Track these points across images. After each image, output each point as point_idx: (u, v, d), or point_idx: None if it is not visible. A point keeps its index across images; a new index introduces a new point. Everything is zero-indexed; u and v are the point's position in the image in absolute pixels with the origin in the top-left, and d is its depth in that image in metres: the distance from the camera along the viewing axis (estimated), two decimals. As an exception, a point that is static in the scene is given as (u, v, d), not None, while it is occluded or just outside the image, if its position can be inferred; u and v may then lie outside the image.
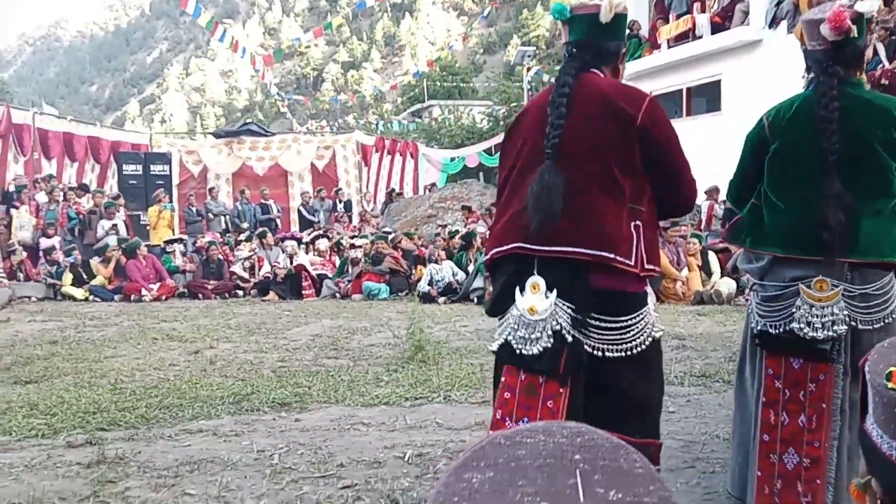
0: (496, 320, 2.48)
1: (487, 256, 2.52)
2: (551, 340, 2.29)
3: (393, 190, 18.89)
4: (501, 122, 24.83)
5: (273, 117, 66.01)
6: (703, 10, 12.58)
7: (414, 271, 11.04)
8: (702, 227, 11.19)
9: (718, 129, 11.84)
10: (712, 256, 9.45)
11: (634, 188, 2.37)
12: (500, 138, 20.37)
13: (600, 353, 2.33)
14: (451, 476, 0.63)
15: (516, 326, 2.34)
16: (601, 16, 2.43)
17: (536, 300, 2.31)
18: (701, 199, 11.71)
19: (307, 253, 11.64)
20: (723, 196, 11.31)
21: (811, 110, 2.66)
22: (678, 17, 13.10)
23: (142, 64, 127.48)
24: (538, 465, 0.62)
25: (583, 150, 2.35)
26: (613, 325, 2.34)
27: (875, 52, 9.59)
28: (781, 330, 2.66)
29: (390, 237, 11.89)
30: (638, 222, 2.37)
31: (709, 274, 9.32)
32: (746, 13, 11.50)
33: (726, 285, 9.01)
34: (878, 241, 2.61)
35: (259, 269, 11.46)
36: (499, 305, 2.44)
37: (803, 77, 2.85)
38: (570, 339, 2.30)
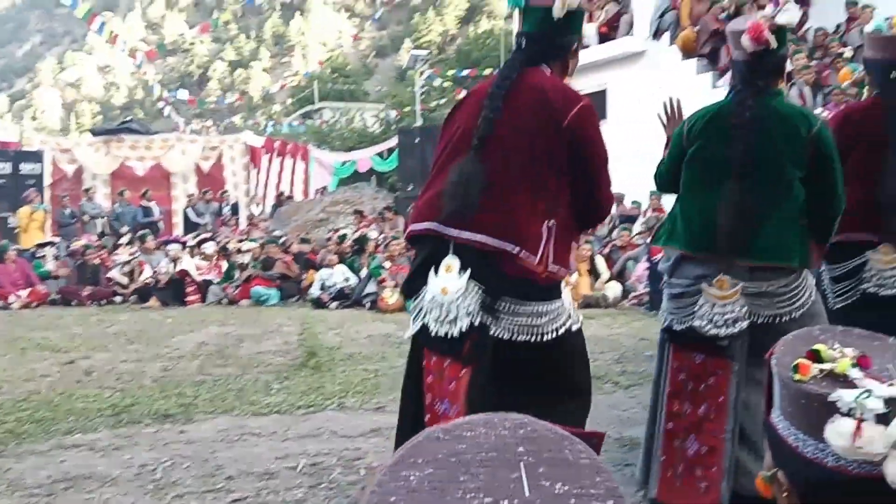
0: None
1: (406, 232, 2.55)
2: (469, 322, 2.30)
3: (283, 193, 18.50)
4: (393, 126, 24.79)
5: (155, 116, 63.57)
6: (590, 20, 12.96)
7: (305, 276, 10.83)
8: (588, 231, 11.50)
9: (604, 137, 12.21)
10: (600, 261, 9.72)
11: (555, 188, 2.42)
12: (392, 142, 20.37)
13: (510, 337, 2.35)
14: (387, 475, 0.59)
15: (430, 308, 2.35)
16: (554, 10, 2.44)
17: (449, 281, 2.33)
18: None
19: (192, 257, 11.20)
20: (626, 200, 11.66)
21: (726, 117, 2.77)
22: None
23: (12, 57, 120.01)
24: (480, 460, 0.59)
25: (511, 144, 2.39)
26: (524, 311, 2.36)
27: (802, 97, 10.04)
28: (685, 326, 2.78)
29: (281, 241, 11.63)
30: (553, 221, 2.40)
31: (596, 278, 9.58)
32: (631, 24, 11.93)
33: (612, 290, 9.28)
34: (777, 246, 2.71)
35: (139, 275, 10.94)
36: (412, 284, 2.47)
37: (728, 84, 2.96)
38: (476, 322, 2.31)
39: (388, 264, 9.78)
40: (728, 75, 10.25)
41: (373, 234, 11.33)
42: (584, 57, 13.22)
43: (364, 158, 22.91)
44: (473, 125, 2.42)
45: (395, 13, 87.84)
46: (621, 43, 11.92)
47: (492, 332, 2.34)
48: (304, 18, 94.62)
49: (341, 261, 10.56)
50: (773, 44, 2.71)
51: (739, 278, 2.70)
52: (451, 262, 2.35)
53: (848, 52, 9.68)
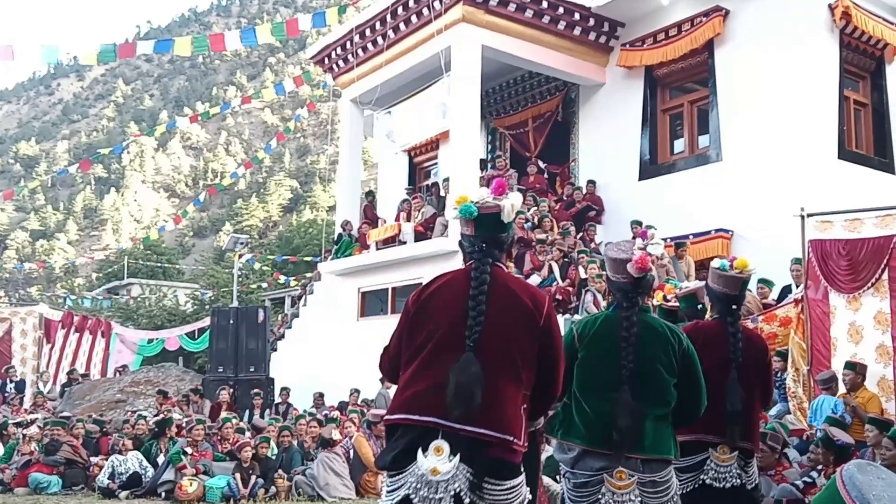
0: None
1: (394, 417, 2.74)
2: (452, 501, 2.57)
3: (74, 370, 17.14)
4: (207, 307, 24.13)
5: (-63, 281, 57.86)
6: (408, 220, 13.77)
7: (94, 462, 9.90)
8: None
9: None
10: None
11: (528, 377, 2.77)
12: (204, 323, 19.75)
13: None
14: None
15: (418, 486, 2.59)
16: (503, 216, 2.89)
17: (439, 462, 2.58)
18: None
19: (-38, 438, 9.98)
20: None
21: (614, 330, 3.26)
22: (384, 222, 14.21)
23: None
24: None
25: (494, 343, 2.70)
26: (502, 488, 2.66)
27: (551, 271, 11.09)
28: None
29: (68, 422, 10.66)
30: (525, 406, 2.78)
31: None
32: (446, 226, 12.78)
33: (423, 479, 9.24)
34: (660, 442, 3.22)
35: None
36: (399, 461, 2.66)
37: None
38: (466, 500, 2.59)
39: (189, 450, 9.21)
40: (533, 278, 11.15)
41: (176, 416, 10.69)
42: (403, 252, 13.84)
43: (173, 337, 21.94)
44: (458, 323, 2.70)
45: (217, 196, 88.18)
46: (436, 242, 12.68)
47: None
48: (120, 194, 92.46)
49: (139, 446, 9.81)
50: (651, 269, 3.31)
51: (634, 470, 3.15)
52: (442, 444, 2.60)
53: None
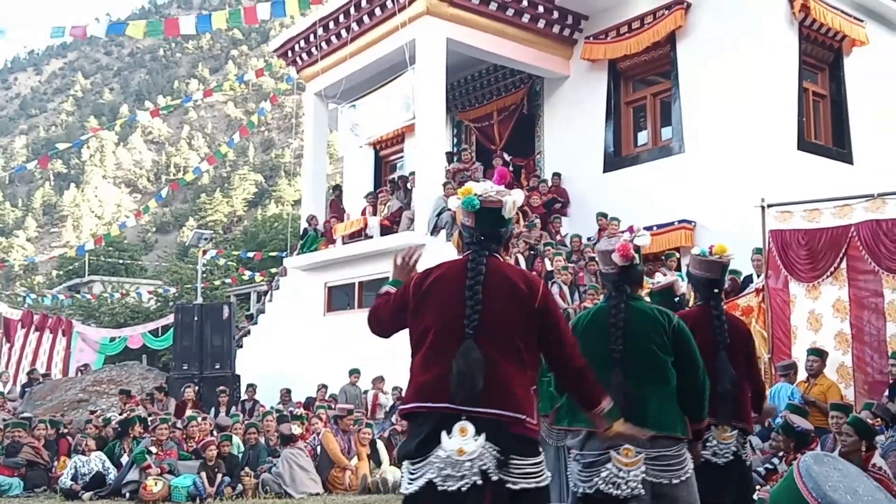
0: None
1: (409, 406, 2.84)
2: (479, 479, 2.64)
3: (35, 370, 16.82)
4: (171, 303, 23.83)
5: None
6: (374, 214, 13.72)
7: (56, 463, 9.74)
8: (367, 415, 11.47)
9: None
10: (381, 445, 9.69)
11: (532, 359, 2.89)
12: (168, 320, 19.50)
13: (516, 487, 2.70)
14: None
15: (443, 466, 2.66)
16: (504, 211, 2.98)
17: (465, 442, 2.67)
18: (367, 388, 12.13)
19: (-82, 441, 9.73)
20: (387, 386, 11.86)
21: (604, 318, 3.45)
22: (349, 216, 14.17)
23: None
24: None
25: (495, 328, 2.81)
26: (528, 463, 2.75)
27: (517, 263, 11.12)
28: (594, 490, 3.29)
29: (29, 423, 10.45)
30: (534, 387, 2.88)
31: (378, 463, 9.49)
32: (412, 219, 12.75)
33: (392, 474, 9.23)
34: (663, 418, 3.35)
35: None
36: (423, 448, 2.73)
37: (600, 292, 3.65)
38: (495, 478, 2.66)
39: (154, 449, 9.09)
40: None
41: (141, 412, 10.54)
42: (370, 246, 13.77)
43: (135, 335, 21.63)
44: (457, 312, 2.81)
45: (180, 191, 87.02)
46: (403, 236, 12.65)
47: (507, 486, 2.68)
48: (80, 190, 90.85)
49: (102, 446, 9.66)
50: (637, 259, 3.49)
51: (641, 447, 3.26)
52: (466, 425, 2.70)
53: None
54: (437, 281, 2.96)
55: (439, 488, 2.66)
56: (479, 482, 2.65)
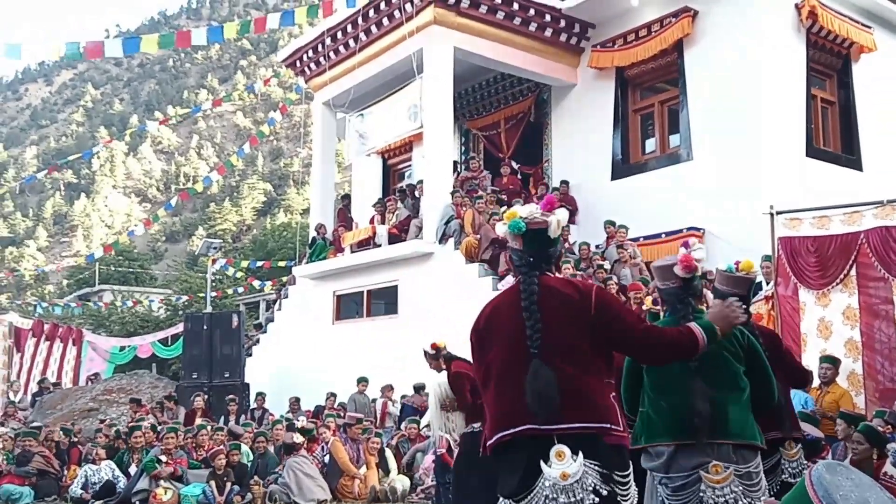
0: None
1: (494, 439, 2.81)
2: (595, 497, 2.62)
3: (45, 380, 16.90)
4: (181, 312, 23.91)
5: None
6: (382, 222, 13.74)
7: (67, 472, 9.77)
8: (376, 423, 11.47)
9: (396, 331, 12.60)
10: (389, 454, 9.68)
11: (606, 365, 2.88)
12: (178, 328, 19.55)
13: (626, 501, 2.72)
14: None
15: (553, 495, 2.63)
16: (549, 231, 2.99)
17: (565, 466, 2.65)
18: (376, 396, 12.13)
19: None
20: (396, 395, 11.86)
21: None
22: (358, 225, 14.20)
23: None
24: None
25: (559, 343, 2.80)
26: (626, 473, 2.75)
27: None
28: None
29: (40, 433, 10.50)
30: (614, 393, 2.88)
31: (386, 472, 9.48)
32: (420, 228, 12.77)
33: (401, 482, 9.22)
34: (744, 426, 3.37)
35: None
36: (526, 482, 2.69)
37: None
38: (605, 492, 2.65)
39: (164, 458, 9.12)
40: (508, 279, 11.18)
41: (150, 421, 10.58)
42: (378, 255, 13.79)
43: (145, 344, 21.71)
44: (519, 336, 2.82)
45: (189, 200, 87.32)
46: (411, 244, 12.67)
47: (618, 499, 2.67)
48: (91, 200, 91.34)
49: (112, 455, 9.70)
50: (699, 272, 3.56)
51: (727, 461, 3.26)
52: (562, 449, 2.66)
53: (606, 265, 10.98)
54: (494, 312, 3.00)
55: None
56: (596, 500, 2.64)
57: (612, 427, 2.75)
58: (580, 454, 2.66)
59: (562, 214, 3.04)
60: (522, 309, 2.86)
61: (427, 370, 6.67)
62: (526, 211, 3.04)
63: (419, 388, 11.34)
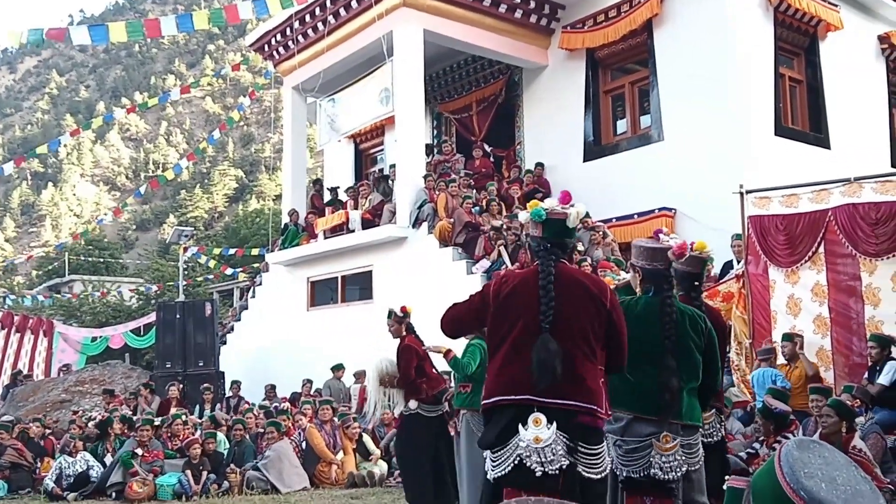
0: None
1: (493, 400, 3.17)
2: (563, 461, 3.01)
3: (19, 372, 16.68)
4: (153, 301, 23.67)
5: None
6: (355, 207, 13.66)
7: (40, 465, 9.67)
8: (352, 410, 11.46)
9: (370, 316, 12.56)
10: (367, 439, 9.68)
11: (601, 355, 3.21)
12: (150, 318, 19.36)
13: (584, 473, 3.07)
14: None
15: (527, 453, 3.02)
16: (568, 221, 3.32)
17: (539, 431, 3.02)
18: (350, 383, 12.12)
19: None
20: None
21: (654, 311, 3.72)
22: (333, 210, 14.09)
23: None
24: None
25: (569, 325, 3.13)
26: (593, 451, 3.10)
27: (499, 255, 11.15)
28: (640, 475, 3.60)
29: (12, 425, 10.37)
30: (603, 380, 3.22)
31: (365, 456, 9.48)
32: (394, 213, 12.72)
33: (379, 467, 9.24)
34: (693, 411, 3.77)
35: None
36: (503, 437, 3.09)
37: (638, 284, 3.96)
38: (566, 463, 3.02)
39: (139, 451, 9.01)
40: (482, 263, 11.20)
41: (120, 415, 10.46)
42: (352, 240, 13.71)
43: (117, 335, 21.47)
44: (534, 314, 3.13)
45: (160, 188, 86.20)
46: (385, 229, 12.62)
47: (577, 469, 3.03)
48: (58, 189, 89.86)
49: (87, 446, 9.60)
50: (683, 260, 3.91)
51: (675, 433, 3.63)
52: (539, 416, 3.04)
53: (581, 247, 11.02)
54: (514, 288, 3.28)
55: (537, 472, 2.99)
56: (561, 466, 3.00)
57: (597, 409, 3.11)
58: (554, 424, 3.02)
59: (581, 208, 3.37)
60: (539, 287, 3.16)
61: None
62: (548, 203, 3.37)
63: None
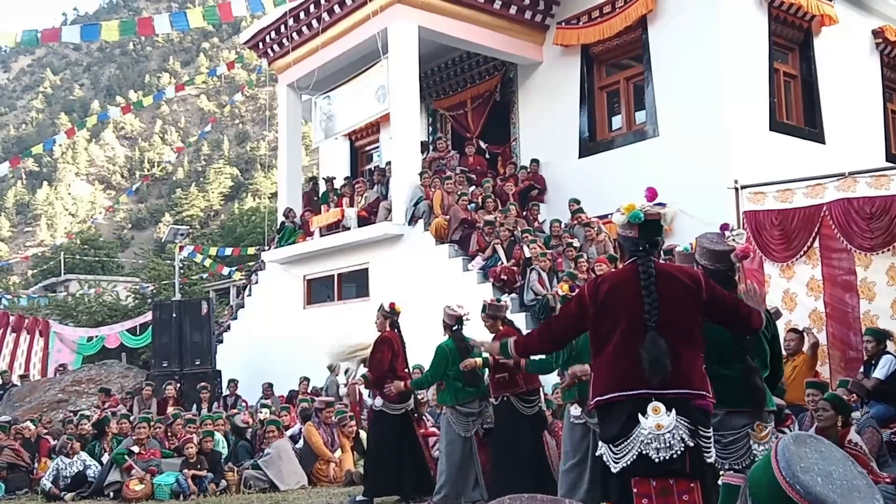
0: None
1: (608, 396, 3.28)
2: (683, 445, 3.13)
3: (12, 372, 16.63)
4: (149, 300, 23.63)
5: None
6: (351, 205, 13.65)
7: (38, 465, 9.65)
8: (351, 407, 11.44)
9: (367, 314, 12.53)
10: (364, 436, 9.67)
11: (702, 342, 3.36)
12: (147, 317, 19.33)
13: (709, 458, 3.25)
14: None
15: (649, 441, 3.15)
16: (663, 221, 3.51)
17: (660, 419, 3.15)
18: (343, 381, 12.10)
19: None
20: (360, 374, 11.81)
21: None
22: (328, 208, 14.07)
23: None
24: None
25: (673, 320, 3.27)
26: (708, 435, 3.26)
27: (494, 251, 11.15)
28: (741, 465, 3.82)
29: (9, 426, 10.35)
30: (705, 366, 3.37)
31: (362, 454, 9.48)
32: (389, 210, 12.71)
33: (376, 464, 9.23)
34: (770, 398, 3.99)
35: None
36: (625, 430, 3.21)
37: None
38: (691, 444, 3.15)
39: (136, 449, 9.02)
40: (477, 259, 11.20)
41: (120, 413, 10.46)
42: (348, 238, 13.70)
43: (113, 334, 21.44)
44: (637, 312, 3.27)
45: (155, 186, 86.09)
46: (381, 226, 12.61)
47: (702, 451, 3.18)
48: (53, 188, 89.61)
49: (84, 446, 9.58)
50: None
51: (767, 422, 3.88)
52: (657, 405, 3.17)
53: (576, 243, 11.03)
54: (613, 288, 3.40)
55: (655, 460, 3.12)
56: (683, 450, 3.12)
57: (707, 394, 3.27)
58: (673, 411, 3.17)
59: (671, 209, 3.58)
60: (642, 287, 3.30)
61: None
62: (640, 204, 3.51)
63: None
